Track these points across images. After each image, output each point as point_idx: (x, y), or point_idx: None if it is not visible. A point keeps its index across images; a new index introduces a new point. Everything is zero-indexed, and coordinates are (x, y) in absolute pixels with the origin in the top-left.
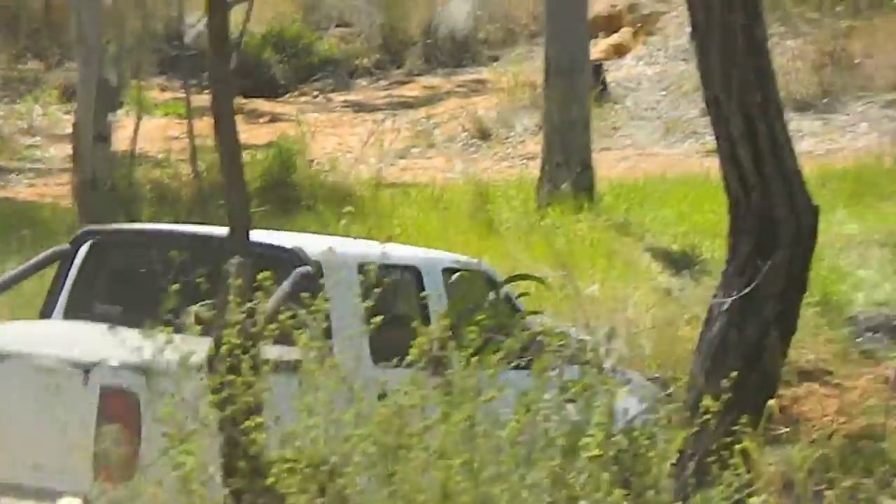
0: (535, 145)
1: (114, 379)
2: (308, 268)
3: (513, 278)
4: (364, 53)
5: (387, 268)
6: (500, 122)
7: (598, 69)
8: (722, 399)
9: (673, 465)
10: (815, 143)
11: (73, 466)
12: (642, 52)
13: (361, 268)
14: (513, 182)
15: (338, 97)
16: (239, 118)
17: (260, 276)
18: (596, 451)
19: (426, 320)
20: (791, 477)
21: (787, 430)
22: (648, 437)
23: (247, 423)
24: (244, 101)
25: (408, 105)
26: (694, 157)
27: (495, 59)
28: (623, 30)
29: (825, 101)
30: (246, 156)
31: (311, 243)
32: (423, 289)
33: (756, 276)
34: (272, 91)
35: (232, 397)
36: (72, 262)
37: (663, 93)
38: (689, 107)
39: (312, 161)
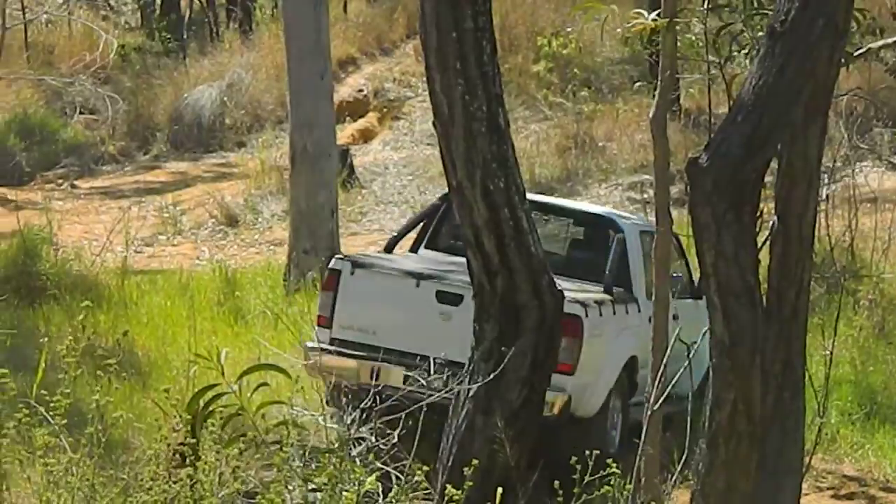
0: (282, 231)
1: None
2: (623, 234)
3: (252, 369)
4: (110, 140)
5: (647, 233)
6: (247, 207)
7: (345, 154)
8: (466, 486)
9: None
10: None
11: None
12: (389, 137)
13: (640, 233)
14: (260, 269)
15: (84, 184)
16: None
17: None
18: None
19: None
20: None
21: None
22: None
23: None
24: None
25: (154, 191)
26: None
27: (242, 144)
28: (370, 115)
29: (569, 184)
30: None
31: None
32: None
33: (501, 362)
34: (16, 179)
35: None
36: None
37: (410, 177)
38: (435, 191)
39: (58, 249)
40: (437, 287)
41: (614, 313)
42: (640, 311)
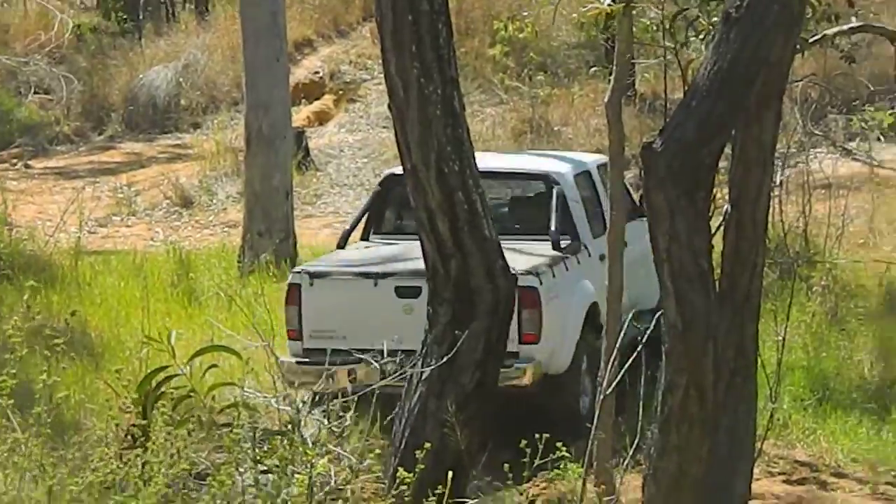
0: (237, 213)
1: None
2: (560, 185)
3: (204, 350)
4: (64, 120)
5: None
6: (202, 189)
7: (300, 136)
8: (418, 469)
9: None
10: None
11: None
12: (344, 120)
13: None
14: (215, 250)
15: (38, 164)
16: None
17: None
18: None
19: None
20: None
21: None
22: None
23: None
24: None
25: (109, 172)
26: None
27: (197, 125)
28: (325, 97)
29: None
30: None
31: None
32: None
33: (455, 345)
34: None
35: None
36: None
37: (365, 160)
38: None
39: (12, 229)
40: (394, 283)
41: (567, 269)
42: (589, 254)
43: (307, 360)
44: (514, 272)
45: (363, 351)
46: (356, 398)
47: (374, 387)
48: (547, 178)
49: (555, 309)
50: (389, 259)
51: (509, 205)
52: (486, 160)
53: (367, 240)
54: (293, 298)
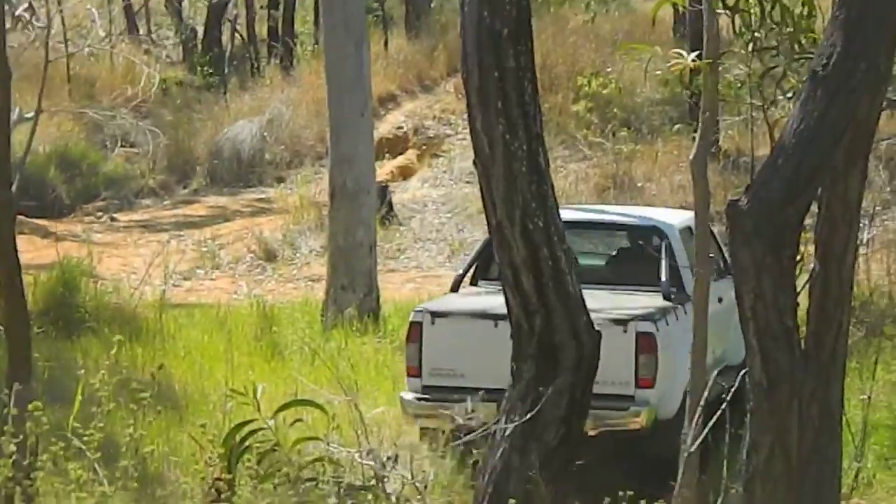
0: (320, 267)
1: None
2: (668, 239)
3: (289, 404)
4: (150, 173)
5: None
6: (285, 243)
7: (384, 191)
8: None
9: None
10: None
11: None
12: (428, 175)
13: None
14: (298, 304)
15: (123, 217)
16: (22, 238)
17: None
18: None
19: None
20: None
21: None
22: None
23: None
24: (28, 220)
25: (193, 225)
26: None
27: (281, 179)
28: (409, 152)
29: None
30: (29, 277)
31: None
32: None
33: (539, 401)
34: (57, 211)
35: None
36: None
37: (448, 215)
38: (473, 229)
39: (97, 282)
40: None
41: (677, 318)
42: None
43: (427, 396)
44: (632, 317)
45: (481, 389)
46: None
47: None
48: (657, 231)
49: (668, 355)
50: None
51: (618, 256)
52: (595, 212)
53: (475, 285)
54: (415, 336)
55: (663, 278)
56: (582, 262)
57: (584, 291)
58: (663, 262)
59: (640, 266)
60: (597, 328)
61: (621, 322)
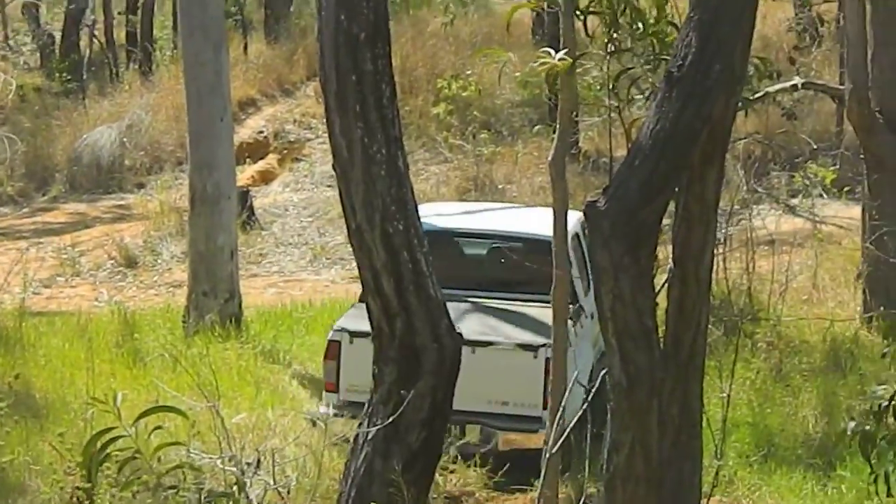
0: (182, 273)
1: None
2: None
3: (149, 411)
4: (7, 181)
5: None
6: (146, 249)
7: (244, 196)
8: None
9: None
10: None
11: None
12: (289, 179)
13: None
14: (159, 310)
15: None
16: None
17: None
18: None
19: None
20: None
21: None
22: None
23: None
24: None
25: (53, 232)
26: (340, 283)
27: (141, 185)
28: (270, 156)
29: None
30: None
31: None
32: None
33: (400, 405)
34: None
35: None
36: None
37: (310, 219)
38: (335, 233)
39: None
40: None
41: (576, 335)
42: (587, 315)
43: (344, 411)
44: (541, 344)
45: None
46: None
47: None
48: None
49: (572, 374)
50: None
51: (513, 266)
52: (480, 220)
53: None
54: (333, 354)
55: (576, 291)
56: (475, 272)
57: (478, 303)
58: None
59: (534, 277)
60: (502, 349)
61: (531, 348)
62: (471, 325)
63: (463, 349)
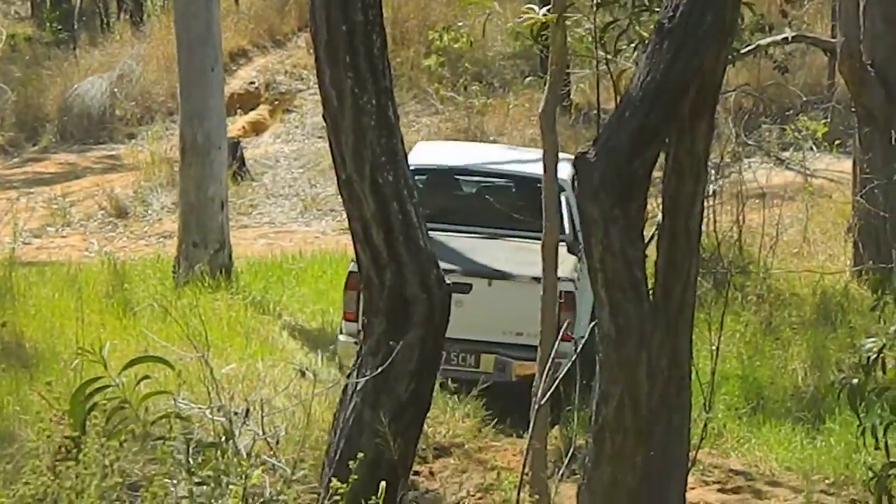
0: (172, 223)
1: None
2: (565, 192)
3: (135, 361)
4: None
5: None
6: (137, 200)
7: (235, 147)
8: (352, 480)
9: None
10: None
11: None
12: (280, 130)
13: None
14: (149, 261)
15: None
16: None
17: None
18: None
19: None
20: None
21: None
22: None
23: None
24: None
25: (43, 182)
26: (331, 234)
27: (132, 136)
28: (261, 107)
29: None
30: None
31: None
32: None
33: (390, 356)
34: None
35: None
36: None
37: (301, 170)
38: (326, 184)
39: None
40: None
41: (583, 270)
42: None
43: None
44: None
45: None
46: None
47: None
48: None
49: (581, 309)
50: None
51: (515, 206)
52: (484, 159)
53: None
54: (352, 285)
55: (567, 231)
56: (476, 211)
57: (486, 241)
58: (565, 215)
59: (535, 215)
60: (518, 282)
61: None
62: (485, 259)
63: (480, 281)
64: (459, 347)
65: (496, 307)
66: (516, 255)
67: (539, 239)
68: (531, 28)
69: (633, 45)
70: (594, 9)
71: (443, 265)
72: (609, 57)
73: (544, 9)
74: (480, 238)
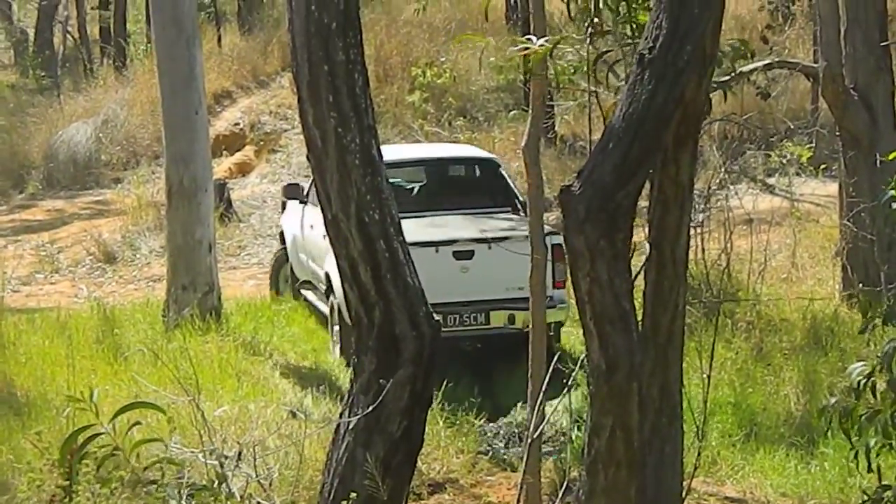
0: (160, 267)
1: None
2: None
3: (127, 407)
4: None
5: None
6: (125, 244)
7: (222, 188)
8: None
9: None
10: None
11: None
12: (266, 170)
13: None
14: (139, 305)
15: None
16: None
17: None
18: None
19: None
20: None
21: None
22: None
23: None
24: None
25: (31, 229)
26: None
27: (118, 180)
28: (246, 148)
29: None
30: None
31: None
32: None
33: (381, 394)
34: None
35: None
36: None
37: None
38: None
39: None
40: (451, 249)
41: None
42: None
43: None
44: (547, 233)
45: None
46: None
47: None
48: (494, 161)
49: None
50: (440, 229)
51: (461, 185)
52: (427, 150)
53: None
54: None
55: (518, 198)
56: (431, 192)
57: (450, 218)
58: (512, 186)
59: (482, 192)
60: (515, 241)
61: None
62: (471, 231)
63: (480, 247)
64: (470, 309)
65: (498, 267)
66: (487, 224)
67: (486, 211)
68: (524, 59)
69: (622, 77)
70: (587, 39)
71: (446, 237)
72: (596, 90)
73: (542, 40)
74: (453, 216)
